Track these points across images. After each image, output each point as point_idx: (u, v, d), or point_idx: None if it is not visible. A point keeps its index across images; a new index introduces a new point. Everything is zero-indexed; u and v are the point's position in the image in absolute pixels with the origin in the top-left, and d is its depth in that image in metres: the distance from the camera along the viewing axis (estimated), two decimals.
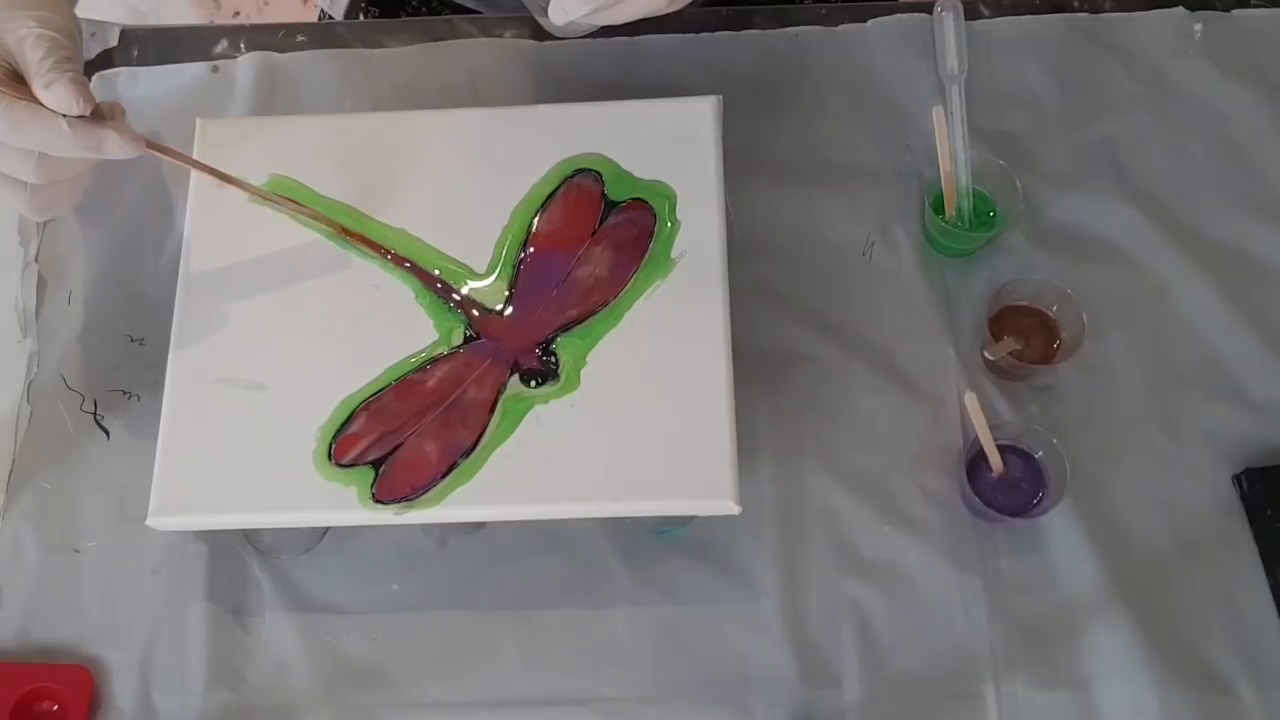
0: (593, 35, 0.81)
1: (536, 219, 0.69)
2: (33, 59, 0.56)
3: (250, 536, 0.69)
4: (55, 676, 0.66)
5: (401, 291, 0.67)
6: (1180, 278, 0.74)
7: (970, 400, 0.67)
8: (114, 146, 0.58)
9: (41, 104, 0.56)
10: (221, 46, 0.83)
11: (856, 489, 0.70)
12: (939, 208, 0.73)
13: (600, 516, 0.68)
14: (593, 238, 0.68)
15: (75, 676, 0.66)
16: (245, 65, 0.82)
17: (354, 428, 0.64)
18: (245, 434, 0.64)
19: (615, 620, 0.68)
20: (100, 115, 0.58)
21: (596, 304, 0.66)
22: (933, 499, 0.70)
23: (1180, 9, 0.82)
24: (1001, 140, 0.77)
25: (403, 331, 0.66)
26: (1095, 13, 0.82)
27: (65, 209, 0.61)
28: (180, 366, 0.66)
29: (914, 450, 0.71)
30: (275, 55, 0.82)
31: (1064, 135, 0.79)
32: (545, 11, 0.61)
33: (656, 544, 0.69)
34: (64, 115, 0.56)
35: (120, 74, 0.82)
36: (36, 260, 0.77)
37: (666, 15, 0.82)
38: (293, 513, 0.64)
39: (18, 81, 0.57)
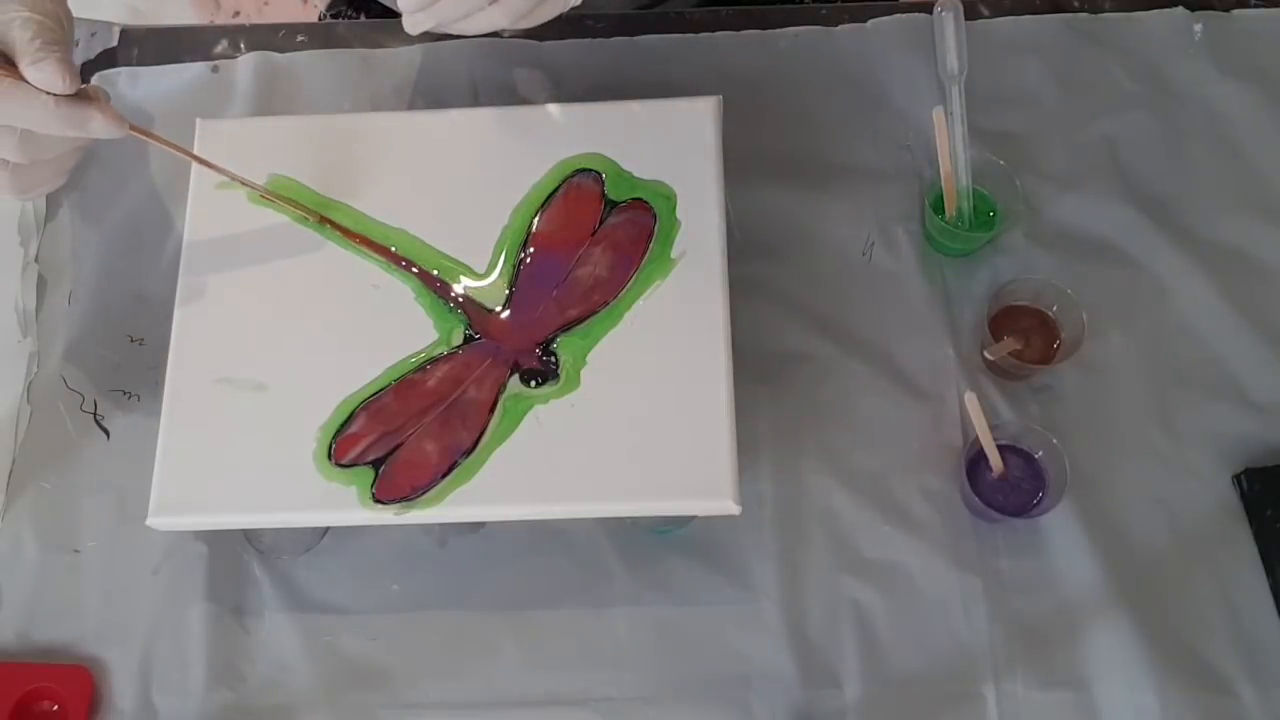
0: (592, 35, 0.81)
1: (536, 219, 0.69)
2: (20, 40, 0.57)
3: (250, 536, 0.69)
4: (55, 676, 0.66)
5: (401, 291, 0.67)
6: (1180, 278, 0.74)
7: (970, 400, 0.67)
8: (98, 125, 0.59)
9: (28, 82, 0.57)
10: (221, 46, 0.83)
11: (856, 489, 0.70)
12: (939, 208, 0.73)
13: (600, 516, 0.68)
14: (593, 238, 0.68)
15: (75, 676, 0.66)
16: (245, 65, 0.82)
17: (354, 428, 0.64)
18: (245, 434, 0.64)
19: (615, 620, 0.68)
20: (86, 96, 0.59)
21: (596, 304, 0.66)
22: (933, 499, 0.70)
23: (1180, 9, 0.81)
24: (1001, 140, 0.77)
25: (403, 331, 0.66)
26: (1095, 13, 0.82)
27: (46, 190, 0.64)
28: (180, 366, 0.66)
29: (914, 450, 0.71)
30: (275, 55, 0.82)
31: (1064, 135, 0.79)
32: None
33: (656, 544, 0.69)
34: (50, 93, 0.57)
35: (120, 74, 0.82)
36: (36, 260, 0.77)
37: (666, 16, 0.83)
38: (293, 513, 0.64)
39: (7, 64, 0.58)
